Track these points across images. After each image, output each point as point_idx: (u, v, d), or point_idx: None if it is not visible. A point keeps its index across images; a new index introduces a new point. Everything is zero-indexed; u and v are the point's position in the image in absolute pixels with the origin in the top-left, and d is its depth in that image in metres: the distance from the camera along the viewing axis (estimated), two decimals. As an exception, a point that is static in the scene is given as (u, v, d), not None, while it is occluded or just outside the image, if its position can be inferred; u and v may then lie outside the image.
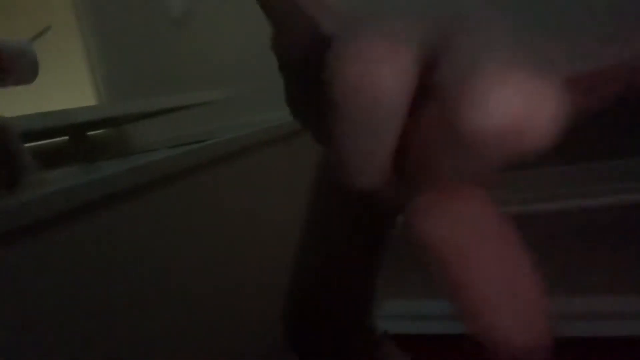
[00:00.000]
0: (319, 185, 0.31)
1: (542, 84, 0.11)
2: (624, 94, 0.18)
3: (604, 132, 1.44)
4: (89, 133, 1.37)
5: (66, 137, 1.31)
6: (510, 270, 0.13)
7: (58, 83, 1.76)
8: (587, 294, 0.95)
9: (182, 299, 0.56)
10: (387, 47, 0.12)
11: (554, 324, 0.14)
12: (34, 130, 0.94)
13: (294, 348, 0.38)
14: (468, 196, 0.13)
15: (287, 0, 0.18)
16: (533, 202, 1.10)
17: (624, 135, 1.40)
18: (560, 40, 0.16)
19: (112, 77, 2.04)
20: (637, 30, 0.17)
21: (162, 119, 1.50)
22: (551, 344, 0.14)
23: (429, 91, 0.12)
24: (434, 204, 0.13)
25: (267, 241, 0.74)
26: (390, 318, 1.01)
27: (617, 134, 1.41)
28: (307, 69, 0.18)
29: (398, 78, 0.12)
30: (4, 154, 0.49)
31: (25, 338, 0.39)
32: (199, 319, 0.58)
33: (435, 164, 0.13)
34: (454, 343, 0.55)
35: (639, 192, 0.91)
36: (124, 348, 0.48)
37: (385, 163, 0.13)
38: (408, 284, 1.22)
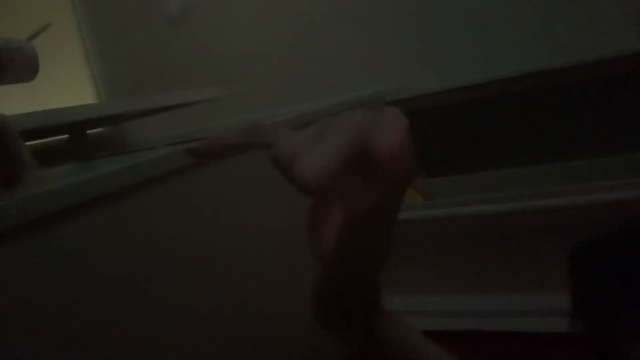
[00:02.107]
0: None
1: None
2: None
3: (589, 131, 1.44)
4: (88, 131, 1.37)
5: (66, 135, 1.31)
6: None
7: (57, 81, 1.76)
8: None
9: (183, 298, 0.56)
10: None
11: None
12: (34, 129, 0.94)
13: (323, 325, 0.48)
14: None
15: None
16: (523, 199, 1.10)
17: (611, 134, 1.40)
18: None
19: (111, 75, 2.04)
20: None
21: (161, 116, 1.50)
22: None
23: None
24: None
25: (266, 238, 0.74)
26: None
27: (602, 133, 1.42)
28: None
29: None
30: (3, 152, 0.49)
31: (23, 337, 0.39)
32: (200, 318, 0.58)
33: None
34: (449, 339, 0.56)
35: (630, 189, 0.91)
36: (123, 347, 0.48)
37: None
38: (403, 280, 1.22)
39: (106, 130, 1.60)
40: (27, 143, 0.70)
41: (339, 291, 0.45)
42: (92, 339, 0.45)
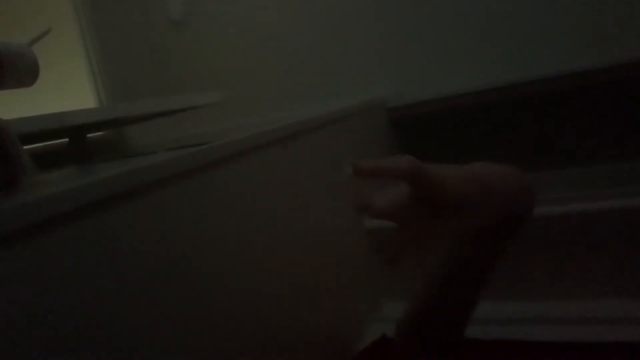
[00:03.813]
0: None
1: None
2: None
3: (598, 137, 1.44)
4: (88, 135, 1.37)
5: (66, 139, 1.31)
6: None
7: (58, 85, 1.76)
8: (586, 297, 0.95)
9: (181, 302, 0.56)
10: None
11: None
12: (34, 132, 0.94)
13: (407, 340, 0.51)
14: None
15: None
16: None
17: (620, 140, 1.40)
18: None
19: (112, 79, 2.04)
20: None
21: (161, 121, 1.50)
22: None
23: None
24: None
25: (262, 243, 0.74)
26: (391, 321, 1.01)
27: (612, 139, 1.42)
28: None
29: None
30: (2, 156, 0.49)
31: (20, 342, 0.39)
32: (200, 321, 0.58)
33: None
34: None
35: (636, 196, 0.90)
36: (124, 350, 0.48)
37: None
38: (408, 287, 1.22)
39: (107, 134, 1.60)
40: (27, 147, 0.70)
41: (434, 315, 0.49)
42: (92, 345, 0.44)
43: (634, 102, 1.36)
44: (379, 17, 1.76)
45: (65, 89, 1.87)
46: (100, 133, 1.54)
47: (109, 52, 2.02)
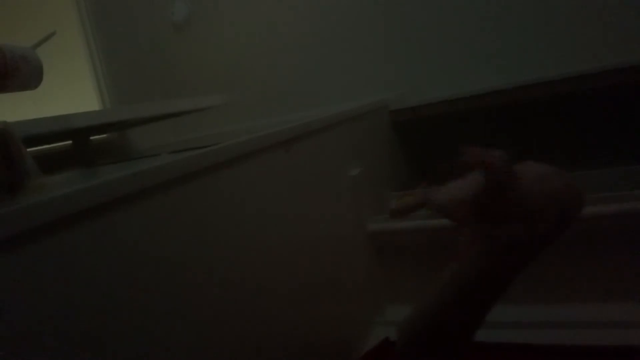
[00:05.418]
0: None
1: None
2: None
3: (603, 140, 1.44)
4: (92, 137, 1.37)
5: (70, 142, 1.31)
6: None
7: (62, 88, 1.77)
8: (590, 301, 0.94)
9: (186, 305, 0.56)
10: None
11: None
12: (38, 135, 0.94)
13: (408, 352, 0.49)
14: None
15: None
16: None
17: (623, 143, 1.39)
18: None
19: (116, 82, 2.05)
20: None
21: (164, 123, 1.50)
22: None
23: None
24: None
25: (266, 246, 0.74)
26: (393, 324, 1.01)
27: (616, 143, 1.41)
28: None
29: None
30: (6, 158, 0.49)
31: (26, 346, 0.39)
32: (204, 323, 0.58)
33: None
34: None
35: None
36: (130, 352, 0.48)
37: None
38: (411, 290, 1.22)
39: (110, 137, 1.60)
40: (31, 149, 0.70)
41: (445, 322, 0.47)
42: (95, 346, 0.44)
43: (636, 105, 1.35)
44: (381, 20, 1.76)
45: (69, 91, 1.88)
46: (103, 135, 1.55)
47: (113, 55, 2.02)
